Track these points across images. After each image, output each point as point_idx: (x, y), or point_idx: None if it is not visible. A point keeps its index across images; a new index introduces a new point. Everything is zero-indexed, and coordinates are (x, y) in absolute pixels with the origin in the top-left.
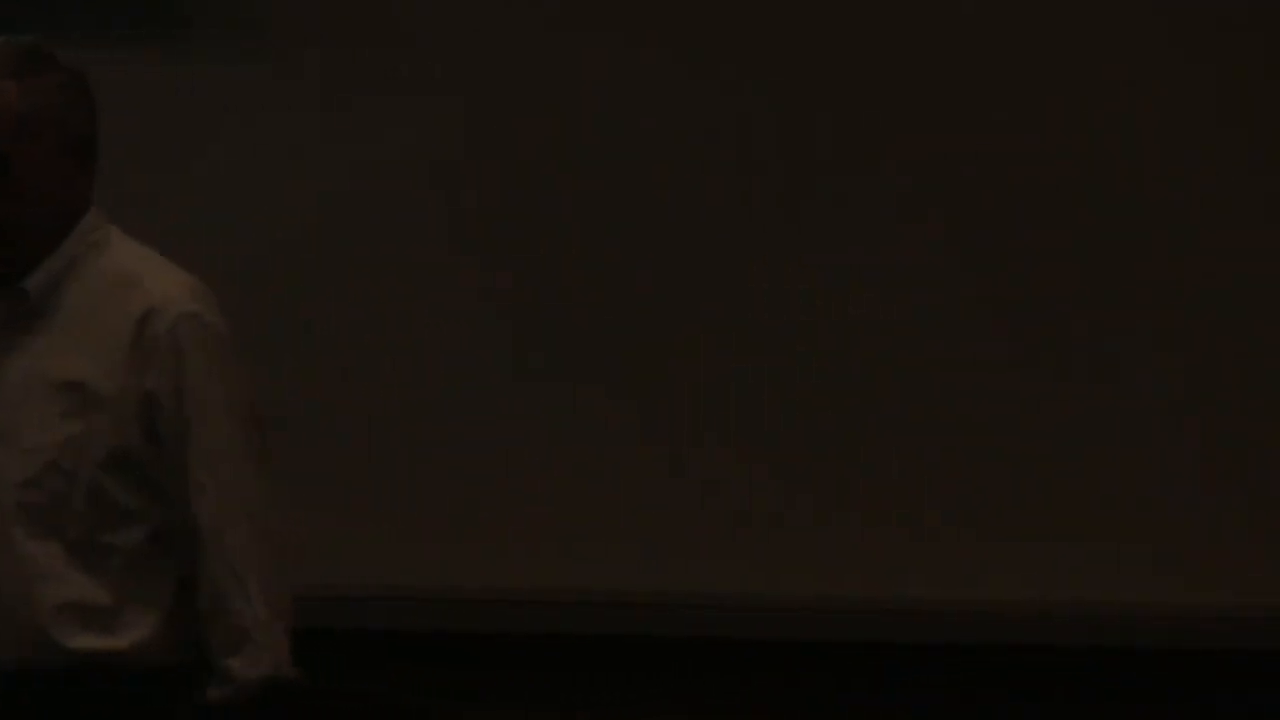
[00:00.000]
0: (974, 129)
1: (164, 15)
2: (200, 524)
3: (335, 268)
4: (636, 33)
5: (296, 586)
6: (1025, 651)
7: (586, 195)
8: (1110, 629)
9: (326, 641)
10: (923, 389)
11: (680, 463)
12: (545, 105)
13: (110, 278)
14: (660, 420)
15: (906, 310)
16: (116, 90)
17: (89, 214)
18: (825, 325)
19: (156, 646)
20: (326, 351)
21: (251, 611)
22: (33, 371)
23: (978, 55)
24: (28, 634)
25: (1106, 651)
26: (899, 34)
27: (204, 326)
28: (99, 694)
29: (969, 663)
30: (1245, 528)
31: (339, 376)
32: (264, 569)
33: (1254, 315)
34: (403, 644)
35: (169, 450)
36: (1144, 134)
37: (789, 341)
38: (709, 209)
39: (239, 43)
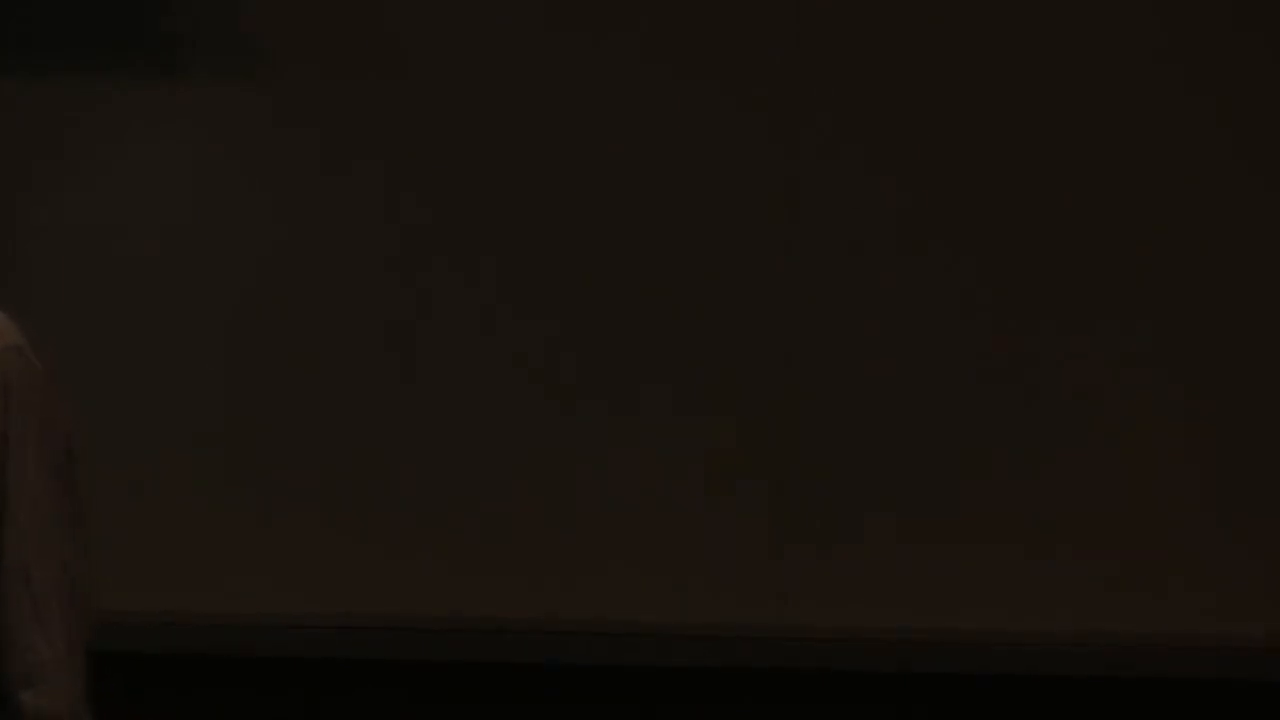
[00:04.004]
0: (972, 130)
1: (152, 35)
2: (6, 558)
3: (337, 284)
4: (638, 37)
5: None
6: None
7: (597, 201)
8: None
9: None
10: (967, 405)
11: (706, 479)
12: (547, 114)
13: None
14: (673, 432)
15: (936, 324)
16: (109, 109)
17: None
18: (851, 335)
19: None
20: (329, 367)
21: (49, 648)
22: None
23: (979, 54)
24: None
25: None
26: (905, 33)
27: (29, 361)
28: None
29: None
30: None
31: (343, 392)
32: (65, 609)
33: (1260, 319)
34: (410, 674)
35: None
36: (1141, 139)
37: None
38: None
39: (229, 61)
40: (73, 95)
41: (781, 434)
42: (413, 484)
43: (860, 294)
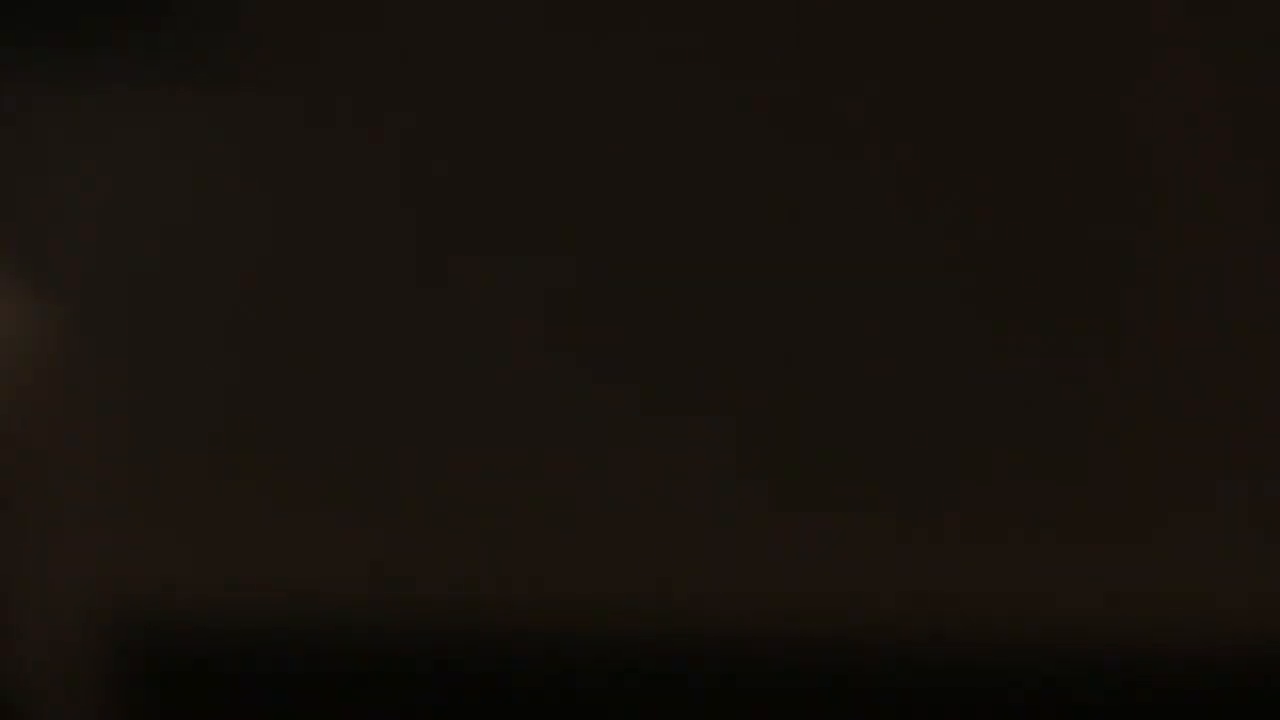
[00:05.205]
0: (974, 129)
1: (152, 35)
2: (9, 552)
3: (338, 284)
4: (638, 37)
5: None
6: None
7: (596, 201)
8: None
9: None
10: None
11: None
12: (549, 114)
13: None
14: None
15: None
16: (110, 110)
17: None
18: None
19: None
20: (329, 367)
21: (52, 643)
22: None
23: (980, 53)
24: None
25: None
26: (908, 33)
27: (40, 358)
28: None
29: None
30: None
31: (342, 393)
32: (67, 605)
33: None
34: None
35: None
36: (1141, 139)
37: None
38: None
39: (229, 61)
40: (72, 95)
41: (781, 434)
42: (412, 484)
43: (860, 294)
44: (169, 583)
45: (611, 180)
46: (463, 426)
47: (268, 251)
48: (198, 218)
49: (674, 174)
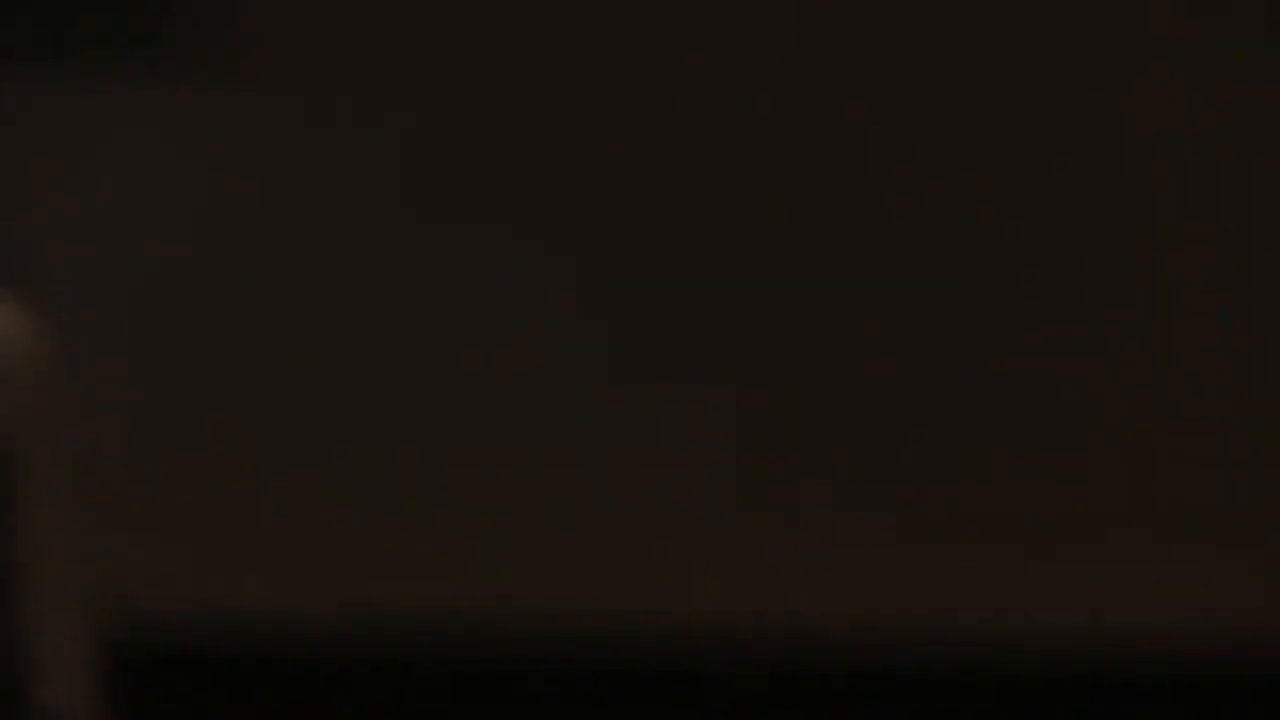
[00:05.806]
0: (973, 129)
1: (152, 35)
2: (17, 557)
3: (338, 284)
4: (638, 37)
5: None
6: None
7: (597, 201)
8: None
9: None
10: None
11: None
12: (549, 114)
13: None
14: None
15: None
16: (109, 109)
17: None
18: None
19: None
20: (329, 367)
21: (62, 646)
22: None
23: (980, 53)
24: None
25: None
26: (908, 33)
27: (40, 361)
28: None
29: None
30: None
31: (343, 392)
32: (77, 607)
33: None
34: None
35: None
36: (1141, 139)
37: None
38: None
39: (229, 61)
40: (72, 95)
41: (782, 434)
42: (412, 484)
43: (860, 294)
44: (168, 583)
45: (611, 180)
46: (463, 426)
47: (268, 251)
48: (197, 217)
49: (674, 174)
